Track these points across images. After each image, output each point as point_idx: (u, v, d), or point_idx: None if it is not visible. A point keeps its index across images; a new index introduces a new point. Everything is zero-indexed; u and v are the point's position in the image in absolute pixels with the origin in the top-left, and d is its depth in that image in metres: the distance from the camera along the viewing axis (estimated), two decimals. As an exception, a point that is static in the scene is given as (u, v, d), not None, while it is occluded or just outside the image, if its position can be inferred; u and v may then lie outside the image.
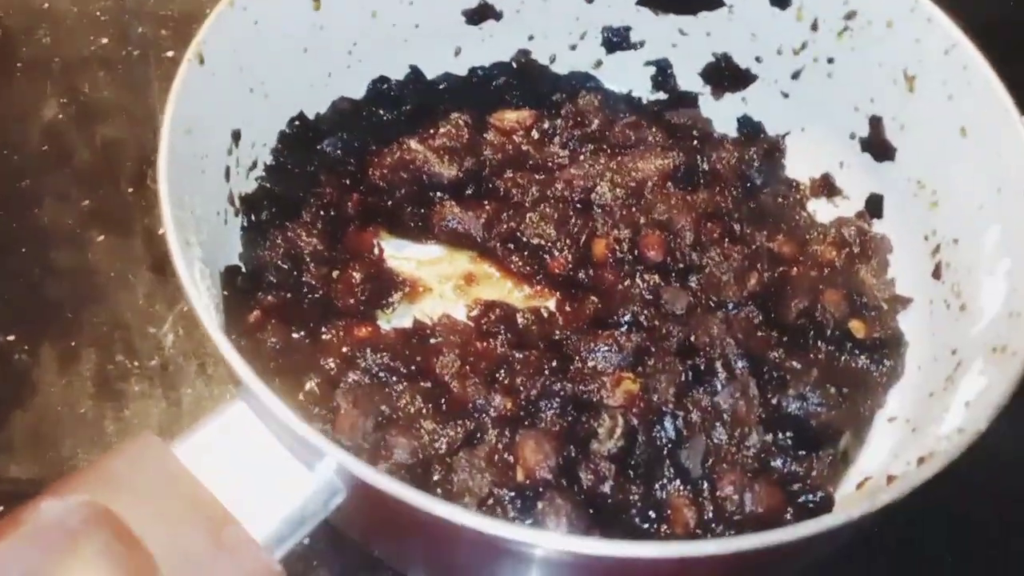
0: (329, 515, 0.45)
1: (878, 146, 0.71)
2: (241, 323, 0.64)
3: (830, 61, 0.72)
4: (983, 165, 0.60)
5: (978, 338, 0.56)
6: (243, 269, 0.67)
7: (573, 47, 0.82)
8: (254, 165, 0.70)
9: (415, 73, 0.78)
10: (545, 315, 0.69)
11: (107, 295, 0.76)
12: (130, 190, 0.83)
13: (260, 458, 0.44)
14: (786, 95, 0.77)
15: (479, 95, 0.81)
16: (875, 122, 0.71)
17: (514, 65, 0.82)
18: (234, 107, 0.66)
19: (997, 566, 0.64)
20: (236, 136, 0.67)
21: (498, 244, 0.73)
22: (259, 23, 0.65)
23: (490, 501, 0.57)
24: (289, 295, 0.66)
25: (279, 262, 0.67)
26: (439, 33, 0.77)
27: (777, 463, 0.60)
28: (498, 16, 0.79)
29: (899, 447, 0.60)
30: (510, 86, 0.82)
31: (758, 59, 0.77)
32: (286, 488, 0.42)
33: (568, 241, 0.72)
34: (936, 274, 0.65)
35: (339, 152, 0.73)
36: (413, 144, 0.74)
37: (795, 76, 0.75)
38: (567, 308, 0.70)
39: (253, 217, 0.69)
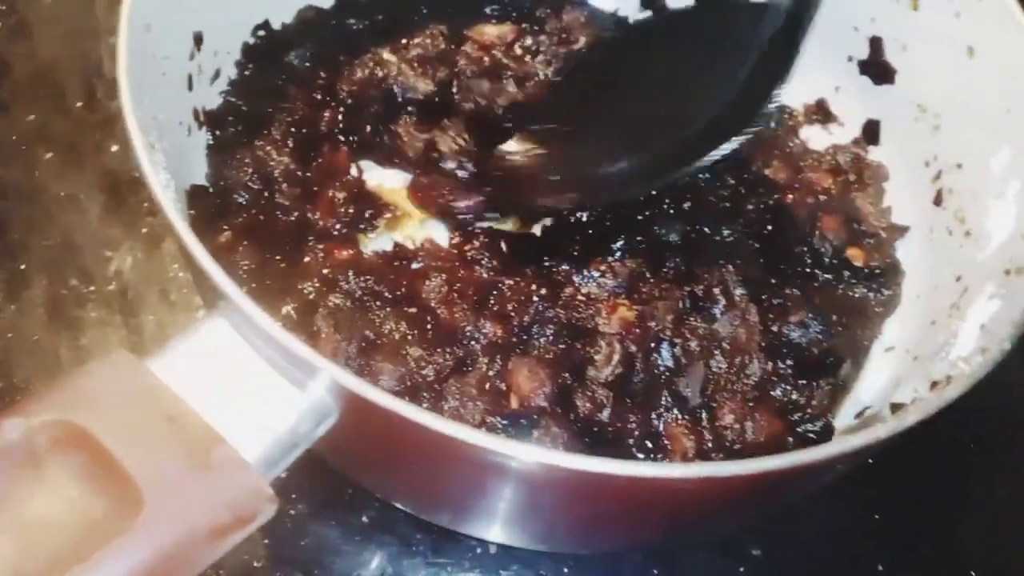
0: (316, 440, 0.41)
1: (877, 68, 0.68)
2: (210, 245, 0.59)
3: (830, -22, 0.69)
4: (992, 86, 0.58)
5: (986, 263, 0.55)
6: (210, 189, 0.62)
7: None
8: (217, 75, 0.65)
9: (388, -21, 0.72)
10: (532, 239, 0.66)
11: (57, 217, 0.70)
12: (78, 104, 0.76)
13: (244, 377, 0.40)
14: (782, 16, 0.73)
15: (456, 6, 0.76)
16: (875, 43, 0.68)
17: (496, -25, 0.77)
18: (195, 7, 0.60)
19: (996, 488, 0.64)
20: (198, 40, 0.62)
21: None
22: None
23: (482, 430, 0.54)
24: (262, 216, 0.61)
25: (249, 182, 0.62)
26: (416, -63, 0.72)
27: (777, 392, 0.58)
28: (481, -76, 0.74)
29: (901, 376, 0.58)
30: None
31: (752, -22, 0.73)
32: (275, 408, 0.39)
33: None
34: (937, 201, 0.63)
35: (307, 64, 0.68)
36: (386, 55, 0.69)
37: None
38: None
39: (219, 133, 0.64)
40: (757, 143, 0.72)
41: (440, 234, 0.66)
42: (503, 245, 0.65)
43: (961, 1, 0.60)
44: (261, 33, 0.67)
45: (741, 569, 0.60)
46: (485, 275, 0.62)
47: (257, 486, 0.34)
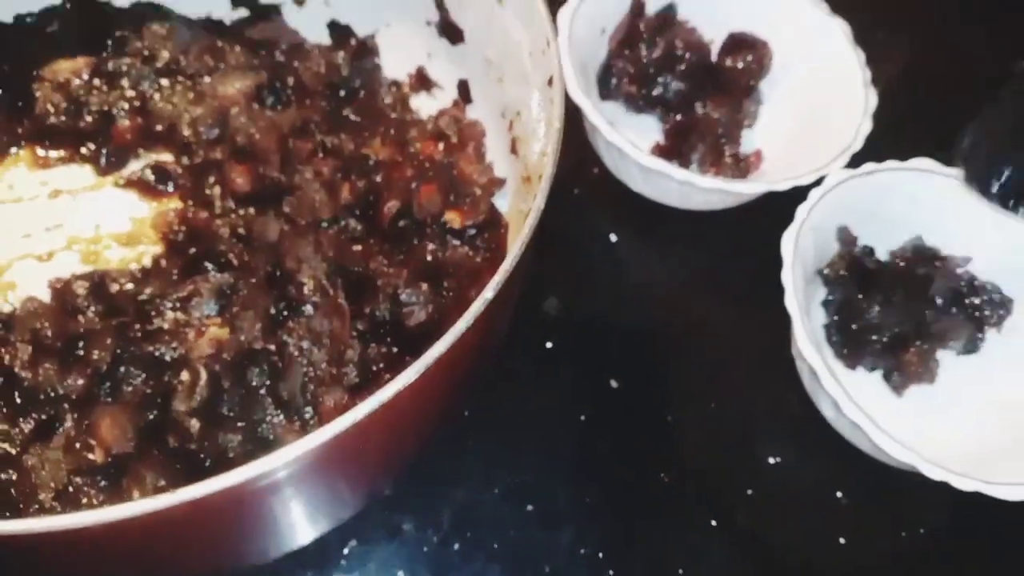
0: None
1: (449, 29, 0.70)
2: None
3: (383, -52, 0.69)
4: (520, 33, 0.60)
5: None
6: None
7: (129, -25, 0.74)
8: None
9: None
10: (139, 275, 0.64)
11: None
12: None
13: None
14: (361, -9, 0.74)
15: (35, 46, 0.72)
16: (439, 4, 0.69)
17: (67, 6, 0.73)
18: None
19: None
20: None
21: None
22: None
23: (70, 489, 0.52)
24: None
25: None
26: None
27: (387, 374, 0.59)
28: (28, -43, 0.70)
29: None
30: (68, 30, 0.73)
31: (322, -42, 0.73)
32: None
33: (152, 190, 0.67)
34: (513, 150, 0.65)
35: None
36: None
37: (362, -30, 0.72)
38: (163, 264, 0.65)
39: None
40: (363, 123, 0.72)
41: (41, 289, 0.63)
42: (110, 284, 0.64)
43: (483, -46, 0.62)
44: None
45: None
46: (92, 321, 0.61)
47: None
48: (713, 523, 0.60)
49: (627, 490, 0.61)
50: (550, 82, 0.54)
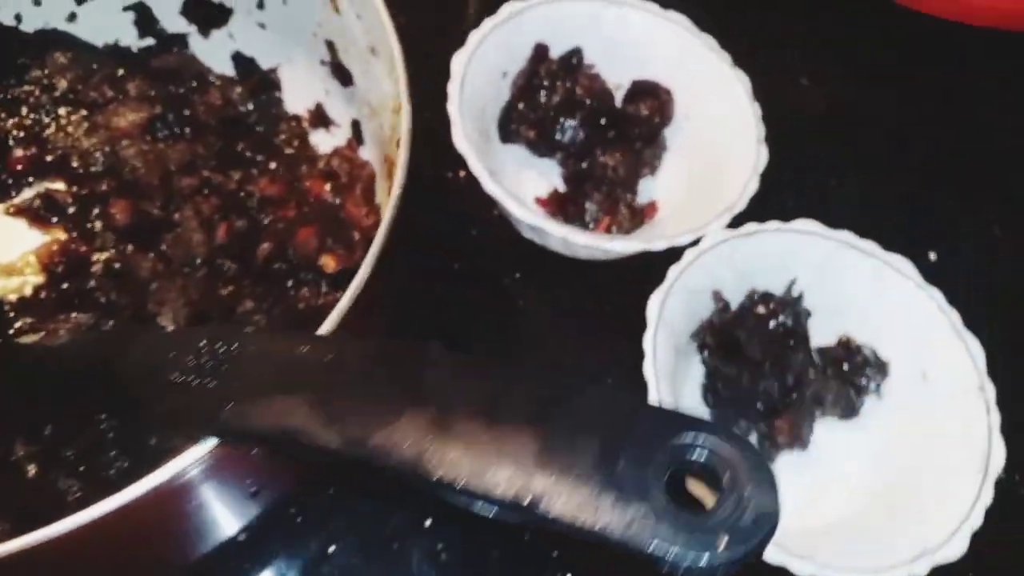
0: None
1: (339, 70, 0.69)
2: None
3: (273, -13, 0.69)
4: (389, 86, 0.60)
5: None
6: None
7: (38, 2, 0.74)
8: None
9: None
10: (18, 304, 0.65)
11: None
12: None
13: None
14: (263, 26, 0.73)
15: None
16: (330, 46, 0.69)
17: (-28, 32, 0.74)
18: None
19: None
20: None
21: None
22: None
23: None
24: None
25: None
26: None
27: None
28: (-71, -17, 0.70)
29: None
30: (-28, 57, 0.74)
31: (224, -10, 0.73)
32: None
33: (38, 221, 0.67)
34: (391, 197, 0.65)
35: None
36: None
37: (260, 6, 0.72)
38: (42, 295, 0.66)
39: None
40: (255, 158, 0.72)
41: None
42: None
43: (359, 5, 0.61)
44: None
45: None
46: None
47: None
48: None
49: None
50: (397, 144, 0.54)
